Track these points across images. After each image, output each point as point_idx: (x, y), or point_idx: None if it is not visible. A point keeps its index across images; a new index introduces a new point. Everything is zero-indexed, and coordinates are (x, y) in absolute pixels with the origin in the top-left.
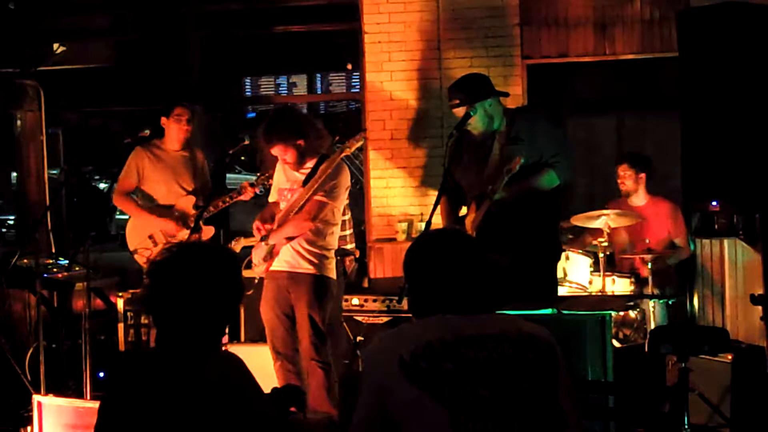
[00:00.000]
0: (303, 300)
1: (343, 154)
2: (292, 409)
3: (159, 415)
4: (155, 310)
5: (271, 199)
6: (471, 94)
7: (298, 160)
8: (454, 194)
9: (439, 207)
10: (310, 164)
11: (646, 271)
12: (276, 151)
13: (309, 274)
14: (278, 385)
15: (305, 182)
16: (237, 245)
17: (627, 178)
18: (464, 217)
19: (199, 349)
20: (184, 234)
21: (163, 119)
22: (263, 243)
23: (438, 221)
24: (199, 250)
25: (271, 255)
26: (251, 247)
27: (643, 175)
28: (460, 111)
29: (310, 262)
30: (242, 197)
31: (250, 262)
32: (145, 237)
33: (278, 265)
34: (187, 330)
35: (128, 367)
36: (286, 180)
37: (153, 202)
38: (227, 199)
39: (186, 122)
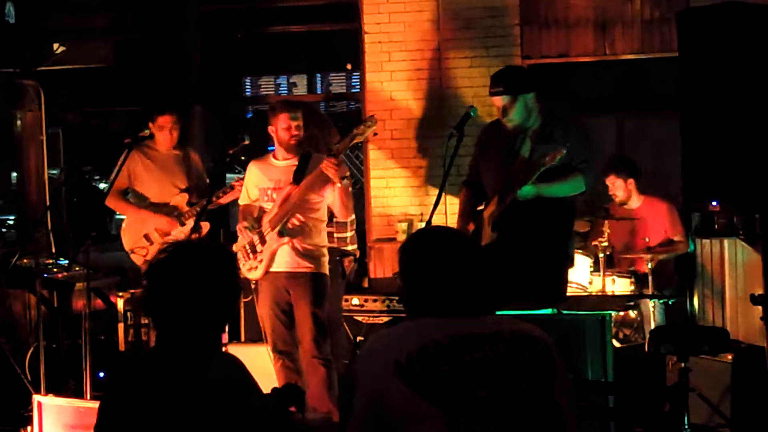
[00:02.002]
0: (306, 298)
1: (355, 141)
2: (292, 409)
3: (159, 415)
4: (154, 311)
5: (242, 201)
6: (515, 84)
7: (296, 137)
8: (475, 189)
9: (458, 200)
10: (292, 160)
11: (645, 268)
12: (287, 119)
13: (309, 273)
14: (279, 385)
15: (297, 180)
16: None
17: (617, 188)
18: (482, 211)
19: (199, 348)
20: (178, 231)
21: (150, 125)
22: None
23: (438, 221)
24: (196, 249)
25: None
26: None
27: (631, 180)
28: (499, 100)
29: (310, 260)
30: (233, 194)
31: None
32: (140, 236)
33: (276, 266)
34: (187, 330)
35: (128, 367)
36: (267, 179)
37: (146, 201)
38: (220, 194)
39: (169, 131)
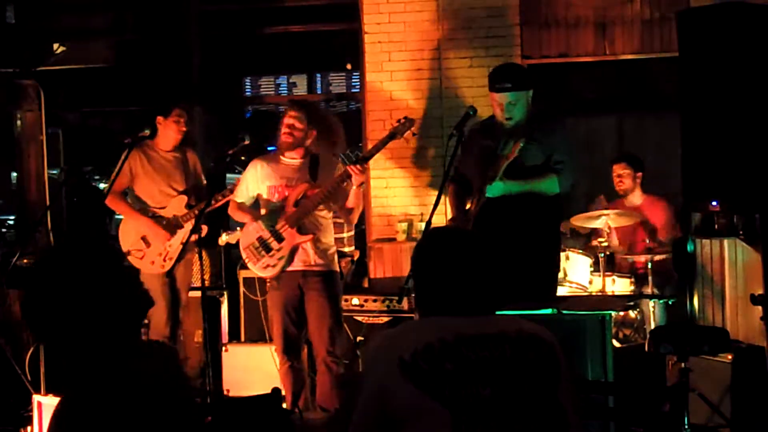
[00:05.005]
0: (322, 295)
1: (394, 140)
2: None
3: (94, 413)
4: (51, 331)
5: (239, 198)
6: (521, 80)
7: (289, 135)
8: (462, 185)
9: (447, 197)
10: (300, 159)
11: (645, 268)
12: (286, 117)
13: (324, 270)
14: (284, 388)
15: (314, 177)
16: (232, 237)
17: (626, 176)
18: (469, 210)
19: (114, 342)
20: (176, 237)
21: (160, 119)
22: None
23: (438, 221)
24: (57, 259)
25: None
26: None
27: (640, 174)
28: (504, 97)
29: (324, 258)
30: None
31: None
32: (137, 238)
33: (292, 264)
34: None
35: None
36: (278, 177)
37: (144, 203)
38: (220, 197)
39: (184, 124)
